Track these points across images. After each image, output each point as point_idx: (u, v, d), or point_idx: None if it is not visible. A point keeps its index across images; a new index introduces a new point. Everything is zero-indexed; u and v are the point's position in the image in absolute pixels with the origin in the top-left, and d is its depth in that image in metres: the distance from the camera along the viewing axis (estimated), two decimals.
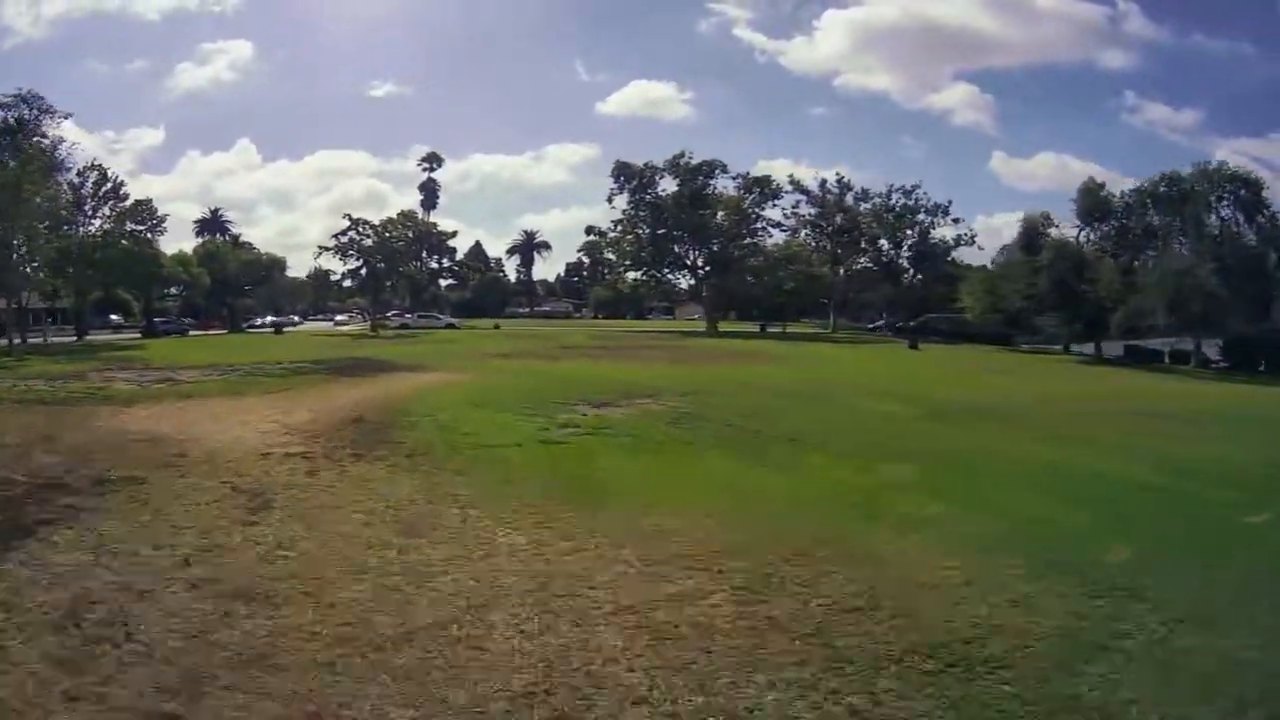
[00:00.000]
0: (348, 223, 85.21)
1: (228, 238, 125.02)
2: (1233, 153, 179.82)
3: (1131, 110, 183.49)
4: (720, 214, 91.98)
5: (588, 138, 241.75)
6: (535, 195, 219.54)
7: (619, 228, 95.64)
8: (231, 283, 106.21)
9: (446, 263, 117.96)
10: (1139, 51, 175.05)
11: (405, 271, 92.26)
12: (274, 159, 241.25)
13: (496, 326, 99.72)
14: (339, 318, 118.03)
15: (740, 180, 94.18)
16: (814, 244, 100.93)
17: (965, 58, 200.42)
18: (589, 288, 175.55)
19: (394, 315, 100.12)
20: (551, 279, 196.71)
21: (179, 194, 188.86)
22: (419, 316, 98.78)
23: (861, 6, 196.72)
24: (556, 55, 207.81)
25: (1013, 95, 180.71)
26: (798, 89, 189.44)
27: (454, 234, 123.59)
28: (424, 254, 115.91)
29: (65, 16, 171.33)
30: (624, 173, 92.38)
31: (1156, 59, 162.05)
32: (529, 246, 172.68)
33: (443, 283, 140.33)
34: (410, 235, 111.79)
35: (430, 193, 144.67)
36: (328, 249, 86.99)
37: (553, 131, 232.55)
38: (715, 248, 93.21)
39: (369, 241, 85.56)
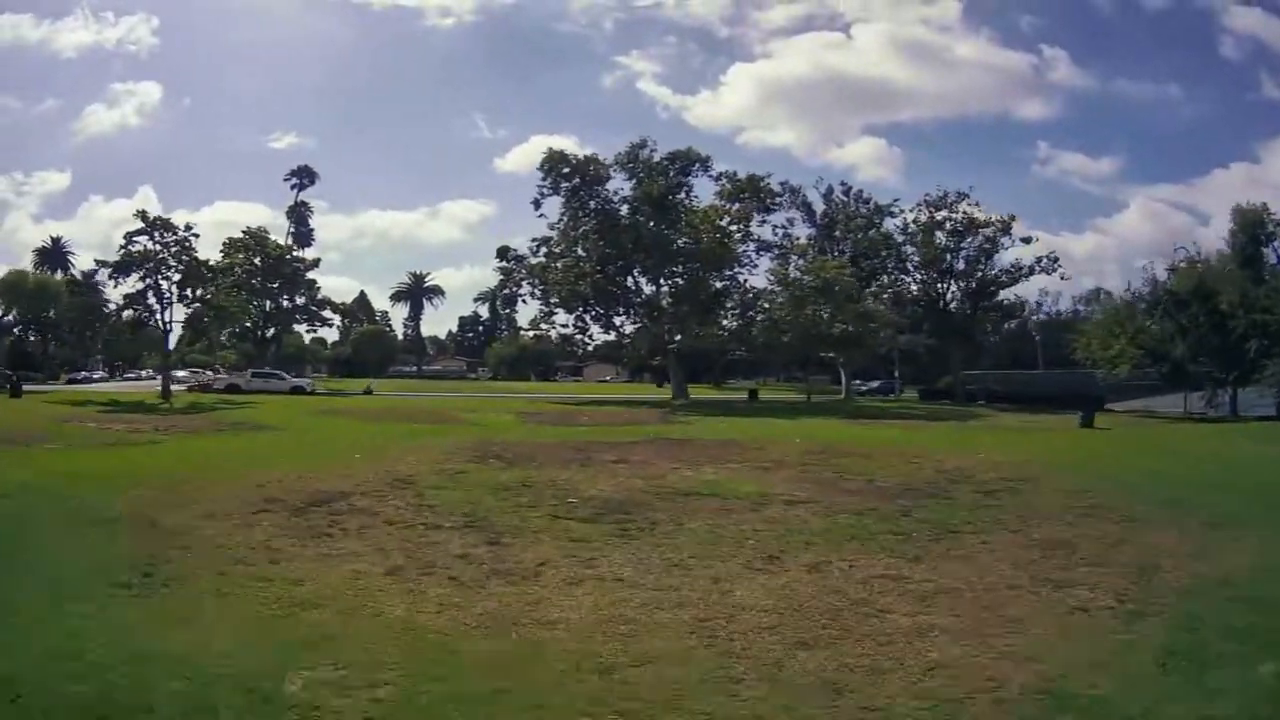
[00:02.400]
0: (141, 223, 53.40)
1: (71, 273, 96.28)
2: (1150, 199, 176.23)
3: (1044, 161, 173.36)
4: (690, 229, 62.79)
5: (485, 194, 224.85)
6: (428, 253, 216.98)
7: (544, 249, 65.93)
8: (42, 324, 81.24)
9: (301, 300, 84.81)
10: (1060, 100, 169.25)
11: (227, 305, 59.28)
12: (173, 208, 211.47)
13: (367, 390, 69.64)
14: (181, 374, 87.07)
15: (722, 183, 65.32)
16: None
17: (875, 111, 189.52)
18: (486, 344, 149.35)
19: (253, 374, 68.89)
20: (443, 335, 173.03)
21: (80, 242, 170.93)
22: (253, 375, 67.48)
23: (770, 60, 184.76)
24: (458, 109, 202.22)
25: (921, 148, 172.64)
26: (701, 145, 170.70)
27: (315, 262, 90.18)
28: (278, 288, 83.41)
29: None
30: (559, 166, 62.60)
31: (1077, 107, 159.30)
32: (418, 292, 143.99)
33: (306, 331, 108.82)
34: (257, 263, 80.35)
35: (301, 220, 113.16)
36: (106, 265, 54.50)
37: (450, 187, 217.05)
38: (681, 278, 64.48)
39: (167, 255, 52.69)
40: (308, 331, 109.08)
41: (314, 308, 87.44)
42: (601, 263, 62.61)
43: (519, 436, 27.89)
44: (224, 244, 79.15)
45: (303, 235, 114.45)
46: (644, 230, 61.53)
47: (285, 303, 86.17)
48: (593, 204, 62.97)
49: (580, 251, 63.57)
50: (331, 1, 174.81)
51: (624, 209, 63.19)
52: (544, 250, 65.70)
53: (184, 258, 52.76)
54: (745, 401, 64.68)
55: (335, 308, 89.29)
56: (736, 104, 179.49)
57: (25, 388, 52.50)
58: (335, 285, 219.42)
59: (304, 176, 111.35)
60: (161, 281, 53.02)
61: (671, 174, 63.17)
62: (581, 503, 14.93)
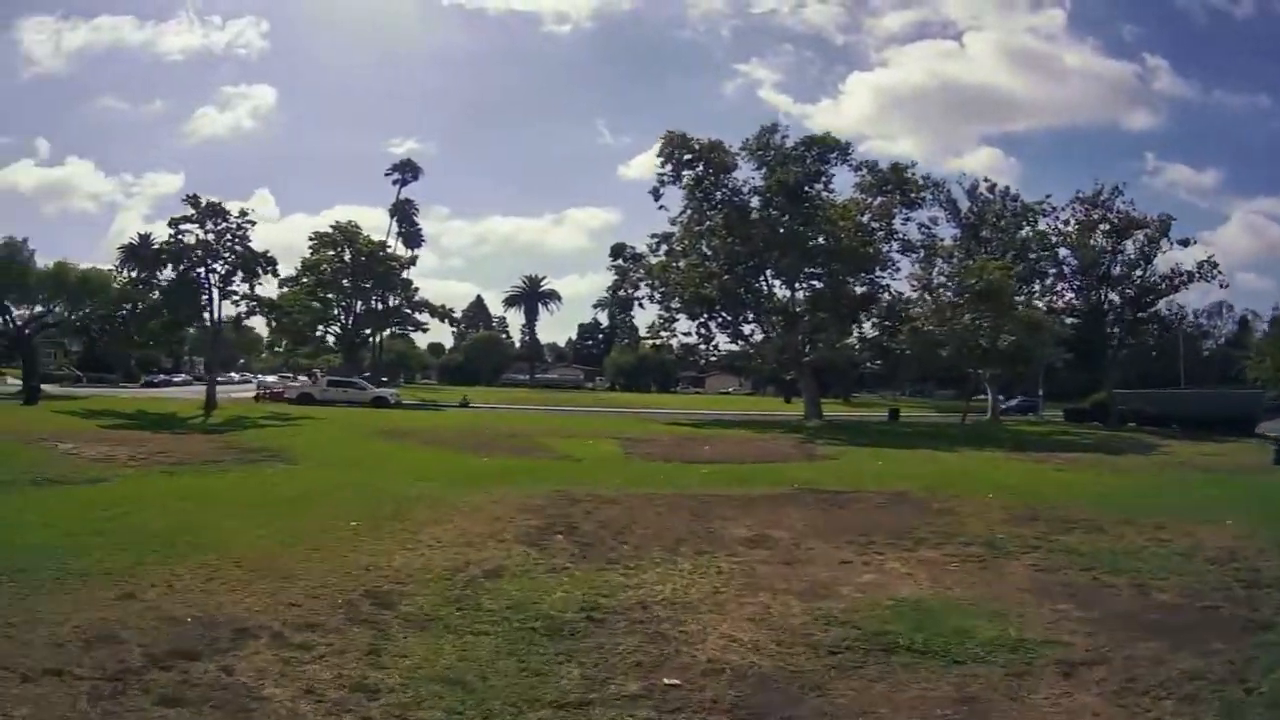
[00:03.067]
0: (191, 209, 46.60)
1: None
2: (1249, 212, 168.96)
3: (1152, 172, 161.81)
4: (828, 225, 53.51)
5: (609, 201, 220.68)
6: (552, 260, 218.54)
7: (665, 247, 58.03)
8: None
9: (394, 301, 78.07)
10: (1164, 111, 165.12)
11: (283, 303, 52.98)
12: (291, 212, 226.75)
13: (463, 402, 63.10)
14: (269, 379, 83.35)
15: (862, 174, 56.83)
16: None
17: (991, 121, 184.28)
18: (605, 352, 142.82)
19: (330, 382, 62.76)
20: (563, 343, 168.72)
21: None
22: (330, 384, 61.60)
23: (887, 69, 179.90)
24: (579, 116, 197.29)
25: (1035, 159, 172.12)
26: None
27: (412, 260, 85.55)
28: (371, 288, 77.40)
29: (85, 50, 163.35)
30: (679, 151, 54.47)
31: (1180, 118, 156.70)
32: (532, 296, 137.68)
33: (395, 334, 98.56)
34: (345, 259, 74.95)
35: (406, 218, 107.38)
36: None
37: (573, 194, 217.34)
38: (820, 281, 55.70)
39: (218, 246, 46.69)
40: (397, 334, 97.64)
41: (408, 310, 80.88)
42: (730, 262, 54.11)
43: (615, 483, 20.32)
44: (310, 238, 74.03)
45: (412, 236, 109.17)
46: (778, 225, 53.39)
47: (378, 304, 79.95)
48: (719, 195, 54.73)
49: (705, 249, 55.46)
50: (445, 5, 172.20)
51: (754, 201, 55.02)
52: (664, 248, 57.88)
53: (237, 248, 46.50)
54: (886, 421, 56.30)
55: (434, 310, 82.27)
56: (856, 113, 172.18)
57: (73, 390, 47.19)
58: (457, 291, 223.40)
59: (407, 171, 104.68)
60: (210, 275, 46.91)
61: (808, 161, 54.76)
62: (691, 689, 7.32)
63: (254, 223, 47.95)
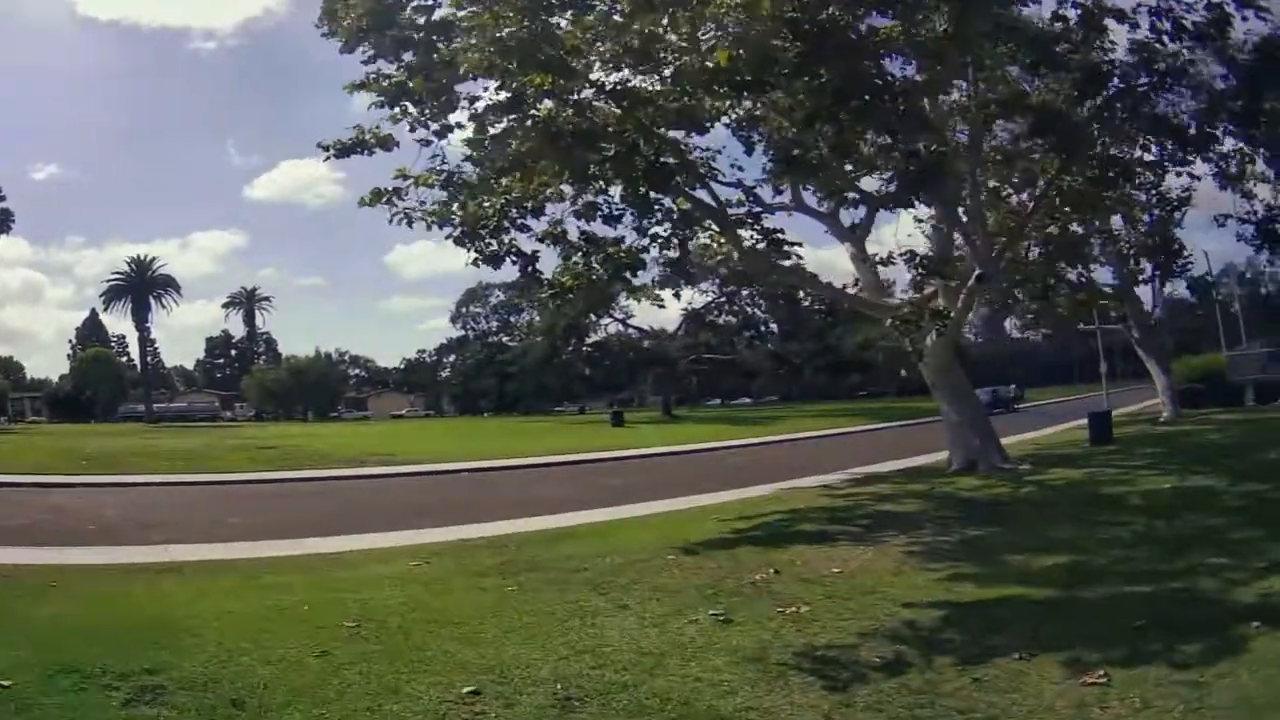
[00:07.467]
0: None
1: None
2: None
3: None
4: None
5: (235, 224, 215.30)
6: (183, 287, 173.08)
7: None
8: None
9: None
10: None
11: None
12: None
13: None
14: None
15: None
16: None
17: None
18: (245, 370, 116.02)
19: None
20: (191, 365, 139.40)
21: None
22: None
23: None
24: (211, 136, 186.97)
25: None
26: None
27: None
28: None
29: None
30: None
31: None
32: (140, 287, 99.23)
33: None
34: None
35: None
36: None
37: (200, 217, 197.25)
38: None
39: None
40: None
41: None
42: None
43: None
44: None
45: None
46: None
47: None
48: None
49: None
50: (103, 21, 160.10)
51: None
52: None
53: None
54: None
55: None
56: None
57: None
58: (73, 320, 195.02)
59: None
60: None
61: None
62: None
63: None
